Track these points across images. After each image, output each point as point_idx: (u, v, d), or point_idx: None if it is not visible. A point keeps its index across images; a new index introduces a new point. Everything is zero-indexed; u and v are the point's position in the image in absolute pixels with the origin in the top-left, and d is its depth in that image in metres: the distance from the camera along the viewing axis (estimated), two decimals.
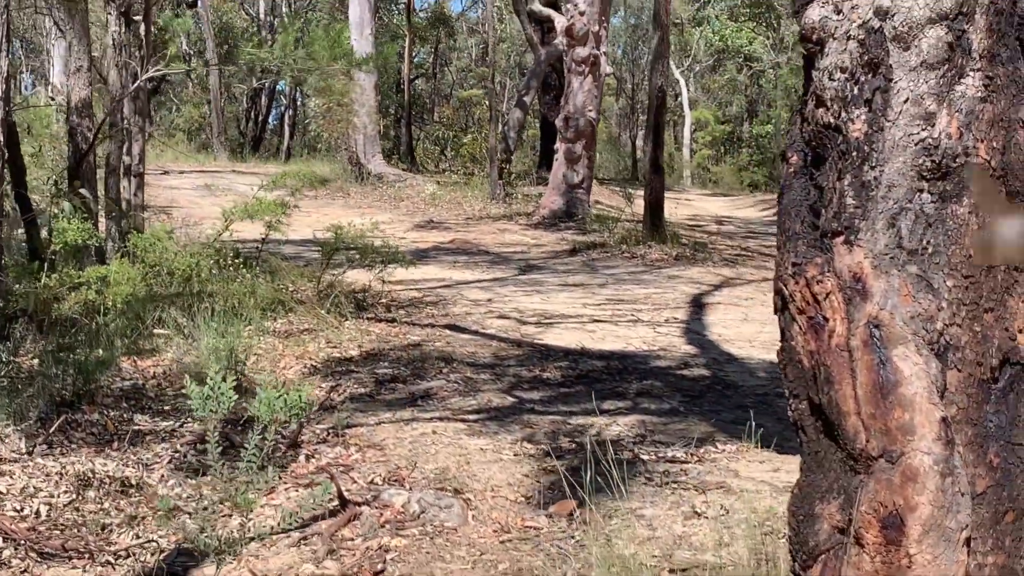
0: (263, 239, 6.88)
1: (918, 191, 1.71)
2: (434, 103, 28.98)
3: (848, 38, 1.79)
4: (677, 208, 14.21)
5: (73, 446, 3.62)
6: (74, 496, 3.11)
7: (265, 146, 28.64)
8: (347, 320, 6.30)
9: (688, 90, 28.32)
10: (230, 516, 2.97)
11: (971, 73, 1.73)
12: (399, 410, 4.52)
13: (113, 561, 2.69)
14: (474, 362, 5.62)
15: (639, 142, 23.27)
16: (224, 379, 2.71)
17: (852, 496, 1.69)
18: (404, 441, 4.00)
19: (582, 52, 13.02)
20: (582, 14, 12.78)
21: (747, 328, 6.98)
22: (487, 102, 19.11)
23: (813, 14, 1.83)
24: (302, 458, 3.65)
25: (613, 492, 2.97)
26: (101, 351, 4.54)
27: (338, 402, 4.57)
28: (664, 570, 2.16)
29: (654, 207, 11.99)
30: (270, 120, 29.55)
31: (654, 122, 12.13)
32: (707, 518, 3.10)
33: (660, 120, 12.20)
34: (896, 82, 1.73)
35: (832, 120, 1.80)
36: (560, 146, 13.71)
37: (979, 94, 1.72)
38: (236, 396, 2.80)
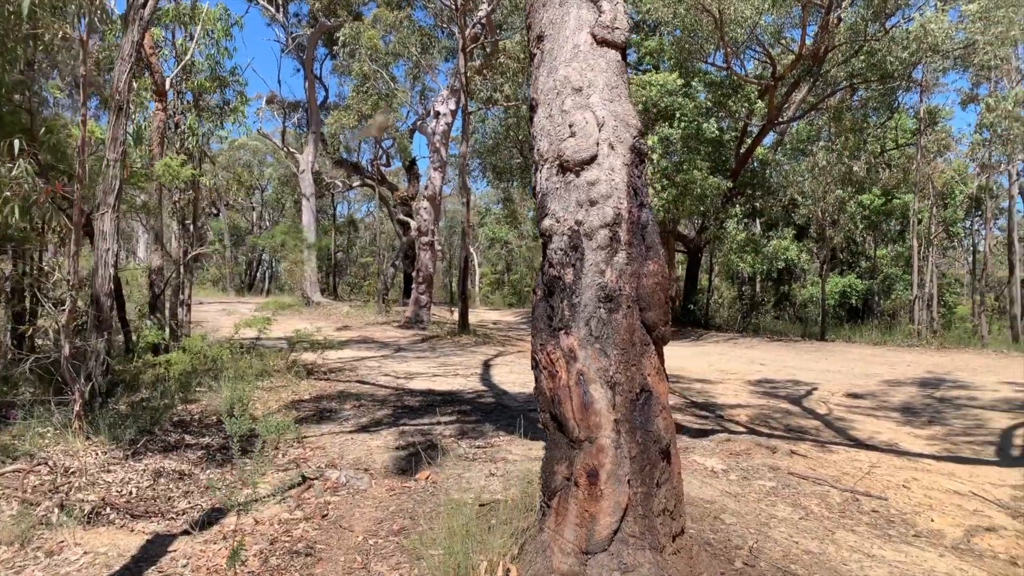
0: (256, 338, 10.26)
1: (598, 308, 3.26)
2: (348, 265, 46.92)
3: (563, 234, 3.37)
4: (473, 316, 22.78)
5: (150, 454, 5.41)
6: (152, 482, 4.69)
7: (256, 287, 46.04)
8: (303, 380, 9.25)
9: (477, 257, 49.10)
10: (242, 488, 4.64)
11: (621, 251, 3.33)
12: (332, 426, 6.72)
13: (176, 517, 4.11)
14: (372, 398, 8.23)
15: (453, 285, 41.11)
16: (242, 415, 4.35)
17: (573, 461, 3.13)
18: (336, 444, 5.99)
19: (425, 239, 21.64)
20: (425, 220, 21.72)
21: (512, 377, 10.84)
22: (376, 266, 33.52)
23: (546, 223, 3.44)
24: (280, 456, 5.58)
25: (448, 465, 5.15)
26: (164, 401, 6.77)
27: (297, 423, 6.55)
28: (477, 504, 3.50)
29: (463, 316, 19.57)
30: (258, 273, 48.96)
31: (462, 274, 20.44)
32: (497, 476, 4.91)
33: (465, 273, 20.57)
34: (586, 255, 3.31)
35: (557, 274, 3.37)
36: (415, 286, 21.76)
37: (625, 261, 3.33)
38: (250, 423, 4.40)
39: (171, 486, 4.66)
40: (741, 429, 7.17)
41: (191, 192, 9.98)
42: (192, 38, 9.47)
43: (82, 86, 5.54)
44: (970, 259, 33.37)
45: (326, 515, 4.17)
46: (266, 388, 8.39)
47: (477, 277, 50.19)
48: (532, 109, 3.79)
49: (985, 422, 7.99)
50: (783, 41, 21.07)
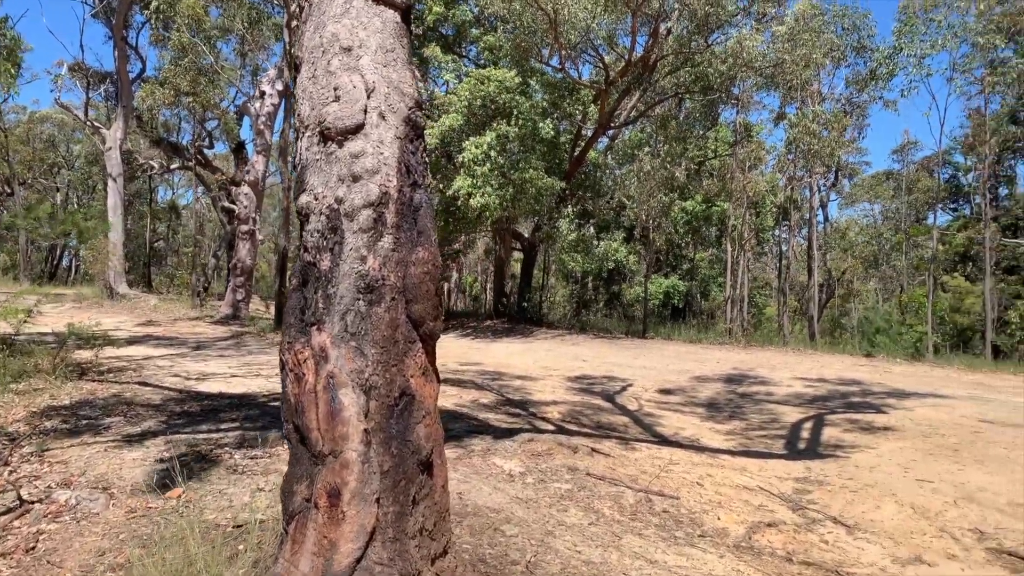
0: (15, 332, 8.88)
1: (357, 299, 2.83)
2: (168, 255, 44.39)
3: (321, 213, 2.92)
4: None
5: None
6: None
7: (59, 277, 40.89)
8: (70, 381, 8.03)
9: None
10: None
11: (387, 235, 2.93)
12: (87, 436, 5.69)
13: None
14: (147, 403, 7.17)
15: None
16: None
17: (314, 479, 2.67)
18: (83, 458, 5.07)
19: (245, 228, 20.34)
20: (245, 208, 20.36)
21: None
22: (195, 256, 31.55)
23: (303, 199, 2.96)
24: (7, 473, 4.58)
25: (212, 479, 4.53)
26: None
27: (43, 434, 5.69)
28: (230, 525, 2.97)
29: (279, 310, 18.10)
30: (64, 261, 44.85)
31: (280, 265, 19.09)
32: (266, 491, 4.27)
33: (283, 264, 19.00)
34: (346, 239, 2.87)
35: (312, 259, 2.90)
36: (231, 279, 20.62)
37: (391, 247, 2.93)
38: None
39: None
40: (550, 427, 7.03)
41: None
42: None
43: None
44: (778, 264, 36.47)
45: (32, 548, 3.41)
46: (20, 391, 7.18)
47: None
48: (296, 69, 3.29)
49: (779, 416, 8.42)
50: (617, 48, 21.74)
